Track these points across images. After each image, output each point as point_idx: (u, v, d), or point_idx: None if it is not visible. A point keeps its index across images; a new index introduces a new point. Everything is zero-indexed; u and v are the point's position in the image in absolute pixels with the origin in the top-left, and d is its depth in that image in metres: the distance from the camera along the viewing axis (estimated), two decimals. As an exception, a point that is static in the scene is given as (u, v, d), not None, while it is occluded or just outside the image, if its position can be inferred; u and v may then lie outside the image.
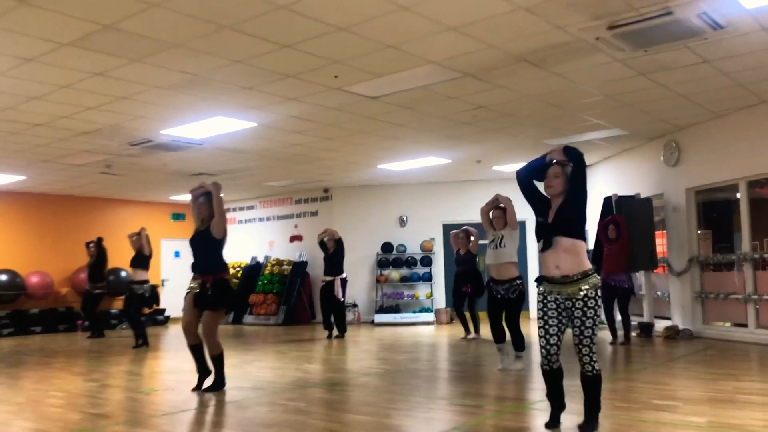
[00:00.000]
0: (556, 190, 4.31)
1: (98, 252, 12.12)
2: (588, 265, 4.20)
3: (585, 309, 4.13)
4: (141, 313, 10.59)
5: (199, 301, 6.06)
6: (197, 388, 6.16)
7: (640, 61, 6.73)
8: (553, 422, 4.33)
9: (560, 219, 4.26)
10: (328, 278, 11.48)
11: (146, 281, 10.43)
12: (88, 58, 6.20)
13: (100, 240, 12.25)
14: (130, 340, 10.86)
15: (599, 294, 4.18)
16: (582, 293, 4.12)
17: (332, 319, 11.49)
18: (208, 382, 6.16)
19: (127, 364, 8.49)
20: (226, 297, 6.08)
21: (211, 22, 5.43)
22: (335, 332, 11.42)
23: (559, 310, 4.22)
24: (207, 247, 6.09)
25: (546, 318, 4.24)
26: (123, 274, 14.49)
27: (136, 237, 10.53)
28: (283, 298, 14.98)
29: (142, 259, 10.47)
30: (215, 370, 6.10)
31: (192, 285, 6.16)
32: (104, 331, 12.51)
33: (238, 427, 4.82)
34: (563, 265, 4.17)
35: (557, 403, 4.36)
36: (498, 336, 7.15)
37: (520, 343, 7.10)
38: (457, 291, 10.76)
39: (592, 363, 4.16)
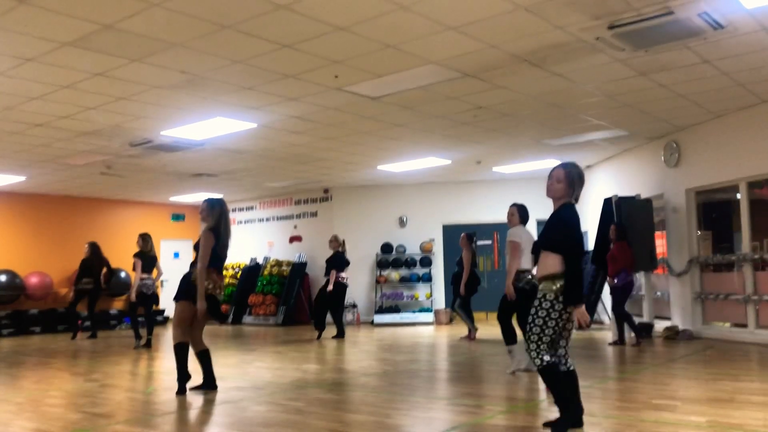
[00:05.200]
0: (553, 193, 4.33)
1: (92, 252, 12.09)
2: (549, 271, 4.18)
3: (535, 305, 4.24)
4: (136, 311, 10.57)
5: None
6: (193, 388, 6.26)
7: (640, 61, 6.73)
8: (549, 423, 4.32)
9: (541, 235, 4.44)
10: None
11: (147, 278, 10.42)
12: (88, 58, 6.20)
13: (94, 244, 12.23)
14: (129, 340, 10.87)
15: (549, 298, 4.14)
16: (540, 293, 4.26)
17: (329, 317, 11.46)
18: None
19: (126, 364, 8.49)
20: (181, 287, 6.33)
21: (211, 22, 5.44)
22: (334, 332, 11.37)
23: None
24: (196, 250, 6.31)
25: None
26: (123, 275, 14.48)
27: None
28: (282, 298, 14.98)
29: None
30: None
31: None
32: (97, 332, 12.41)
33: (237, 427, 4.82)
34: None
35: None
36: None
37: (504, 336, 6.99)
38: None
39: (532, 355, 4.21)
